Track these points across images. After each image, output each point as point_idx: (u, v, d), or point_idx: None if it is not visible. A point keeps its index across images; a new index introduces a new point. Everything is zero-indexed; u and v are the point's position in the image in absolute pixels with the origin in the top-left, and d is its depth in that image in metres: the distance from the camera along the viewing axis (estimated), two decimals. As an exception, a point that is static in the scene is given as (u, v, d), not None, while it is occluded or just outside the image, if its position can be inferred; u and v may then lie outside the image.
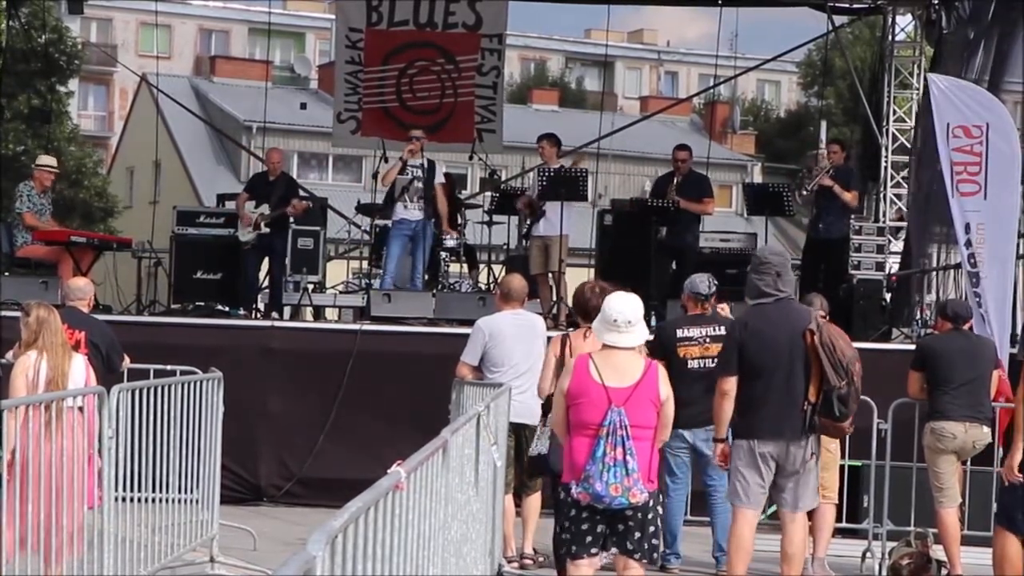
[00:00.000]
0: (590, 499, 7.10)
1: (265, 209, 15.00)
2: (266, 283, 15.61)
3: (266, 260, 15.43)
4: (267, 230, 14.98)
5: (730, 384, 8.15)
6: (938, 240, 15.84)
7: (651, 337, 10.13)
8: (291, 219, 15.07)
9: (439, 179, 14.71)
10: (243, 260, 15.20)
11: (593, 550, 7.25)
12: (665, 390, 7.27)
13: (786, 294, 8.27)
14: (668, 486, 10.13)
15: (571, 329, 10.31)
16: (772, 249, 8.90)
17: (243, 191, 15.67)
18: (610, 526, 7.21)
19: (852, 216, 15.39)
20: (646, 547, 7.22)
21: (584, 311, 8.78)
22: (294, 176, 18.56)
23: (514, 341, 9.81)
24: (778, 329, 8.10)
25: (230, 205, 16.18)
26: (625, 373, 7.19)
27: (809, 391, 8.05)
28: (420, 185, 14.42)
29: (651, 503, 7.18)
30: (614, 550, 7.34)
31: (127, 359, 10.24)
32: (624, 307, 7.25)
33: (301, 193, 16.28)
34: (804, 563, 9.47)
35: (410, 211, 14.48)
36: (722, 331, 9.34)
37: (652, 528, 7.23)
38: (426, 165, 14.62)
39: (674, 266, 15.24)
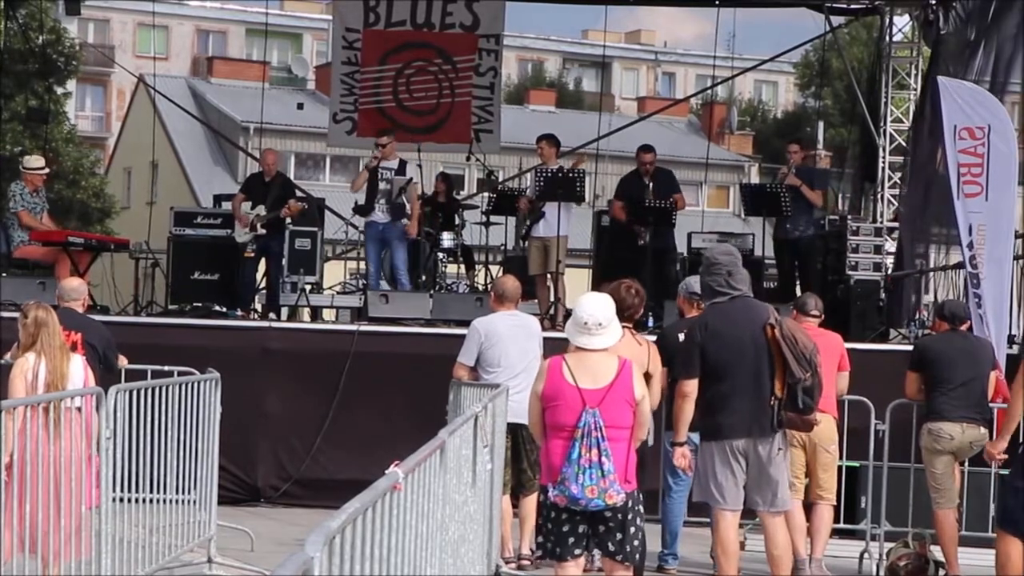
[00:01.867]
0: (567, 501, 7.10)
1: (261, 210, 14.98)
2: (263, 284, 15.60)
3: (263, 261, 15.42)
4: (263, 231, 14.96)
5: (690, 386, 8.11)
6: (935, 241, 15.85)
7: (653, 339, 10.15)
8: (287, 220, 15.07)
9: (409, 177, 14.81)
10: (241, 261, 15.18)
11: (577, 551, 7.23)
12: (640, 390, 7.24)
13: (740, 291, 8.23)
14: (671, 487, 10.13)
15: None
16: (721, 249, 8.91)
17: (239, 192, 15.64)
18: (591, 527, 7.20)
19: (816, 214, 15.55)
20: (627, 549, 7.19)
21: (620, 310, 8.76)
22: (291, 177, 18.55)
23: (509, 342, 9.83)
24: (739, 327, 8.08)
25: (227, 206, 16.16)
26: (598, 374, 7.17)
27: (775, 386, 8.03)
28: (388, 188, 14.55)
29: (630, 503, 7.16)
30: (597, 552, 7.34)
31: (124, 360, 10.23)
32: (595, 310, 7.23)
33: (298, 194, 16.29)
34: (803, 564, 9.48)
35: (376, 214, 14.64)
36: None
37: (633, 529, 7.19)
38: (396, 167, 14.72)
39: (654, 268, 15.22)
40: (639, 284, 9.09)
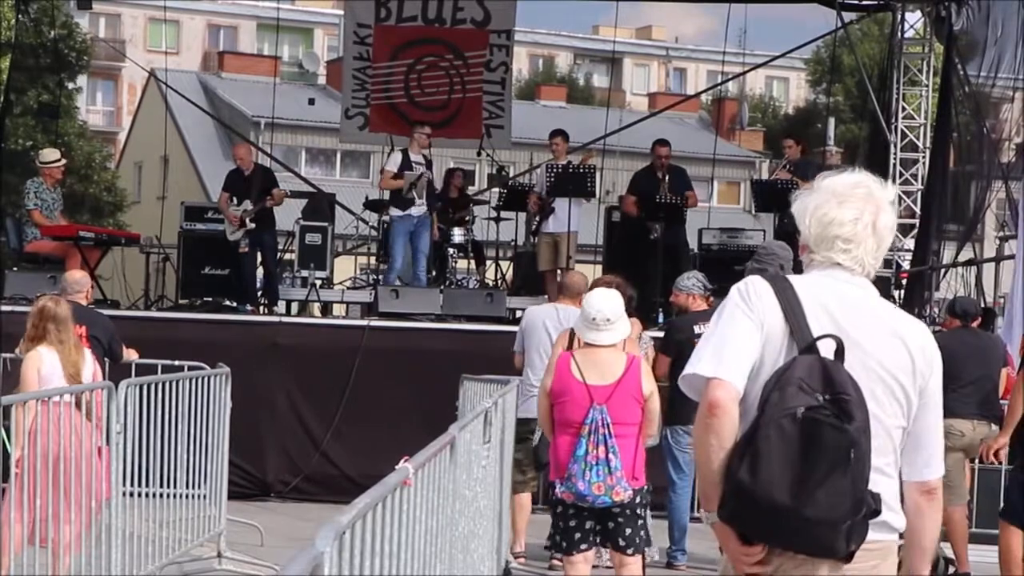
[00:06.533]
0: (574, 498, 7.12)
1: (247, 205, 14.85)
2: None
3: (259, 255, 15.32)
4: (253, 225, 14.80)
5: None
6: (949, 238, 15.82)
7: (661, 334, 10.15)
8: (278, 210, 14.98)
9: (419, 173, 14.79)
10: (239, 258, 15.08)
11: (583, 546, 7.26)
12: (648, 386, 7.24)
13: None
14: (675, 483, 10.13)
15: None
16: (778, 244, 8.88)
17: (222, 191, 15.33)
18: (599, 523, 7.22)
19: None
20: (637, 541, 7.25)
21: None
22: (301, 172, 18.53)
23: (545, 333, 9.86)
24: None
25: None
26: (606, 371, 7.18)
27: None
28: (426, 181, 14.47)
29: (637, 499, 7.18)
30: (608, 546, 7.38)
31: (135, 353, 10.24)
32: (603, 305, 7.23)
33: (304, 187, 16.25)
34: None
35: (416, 206, 14.53)
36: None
37: (640, 521, 7.26)
38: (422, 161, 14.66)
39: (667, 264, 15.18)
40: (623, 281, 9.08)
